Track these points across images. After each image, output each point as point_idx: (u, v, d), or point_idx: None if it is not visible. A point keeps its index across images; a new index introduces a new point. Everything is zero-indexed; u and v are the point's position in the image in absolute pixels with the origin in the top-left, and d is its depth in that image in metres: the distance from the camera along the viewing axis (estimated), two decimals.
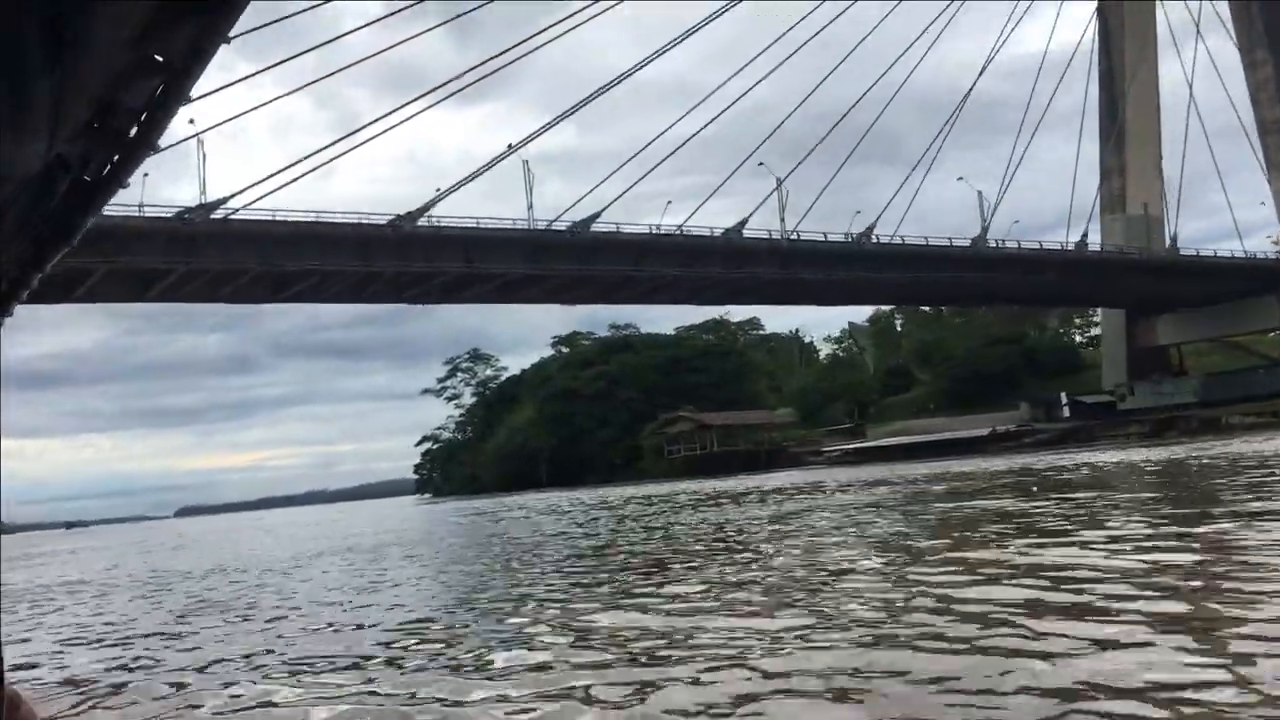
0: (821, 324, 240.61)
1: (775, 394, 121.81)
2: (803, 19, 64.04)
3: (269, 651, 9.73)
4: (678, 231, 62.58)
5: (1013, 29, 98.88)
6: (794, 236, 65.56)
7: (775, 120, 64.25)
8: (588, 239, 60.09)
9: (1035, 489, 25.14)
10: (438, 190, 56.19)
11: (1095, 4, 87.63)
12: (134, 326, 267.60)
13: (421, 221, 55.25)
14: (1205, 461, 30.80)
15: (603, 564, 15.93)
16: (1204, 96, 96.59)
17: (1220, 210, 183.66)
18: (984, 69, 71.23)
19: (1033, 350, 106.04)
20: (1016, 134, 72.54)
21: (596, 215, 60.09)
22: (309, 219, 51.47)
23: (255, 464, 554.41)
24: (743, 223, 64.86)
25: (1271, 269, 79.22)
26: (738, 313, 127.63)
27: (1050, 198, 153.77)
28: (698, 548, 17.09)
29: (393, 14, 51.48)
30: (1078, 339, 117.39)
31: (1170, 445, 51.58)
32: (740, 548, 16.37)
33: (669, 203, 72.84)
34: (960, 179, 73.37)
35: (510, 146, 59.35)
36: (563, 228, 59.60)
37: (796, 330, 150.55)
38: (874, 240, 67.39)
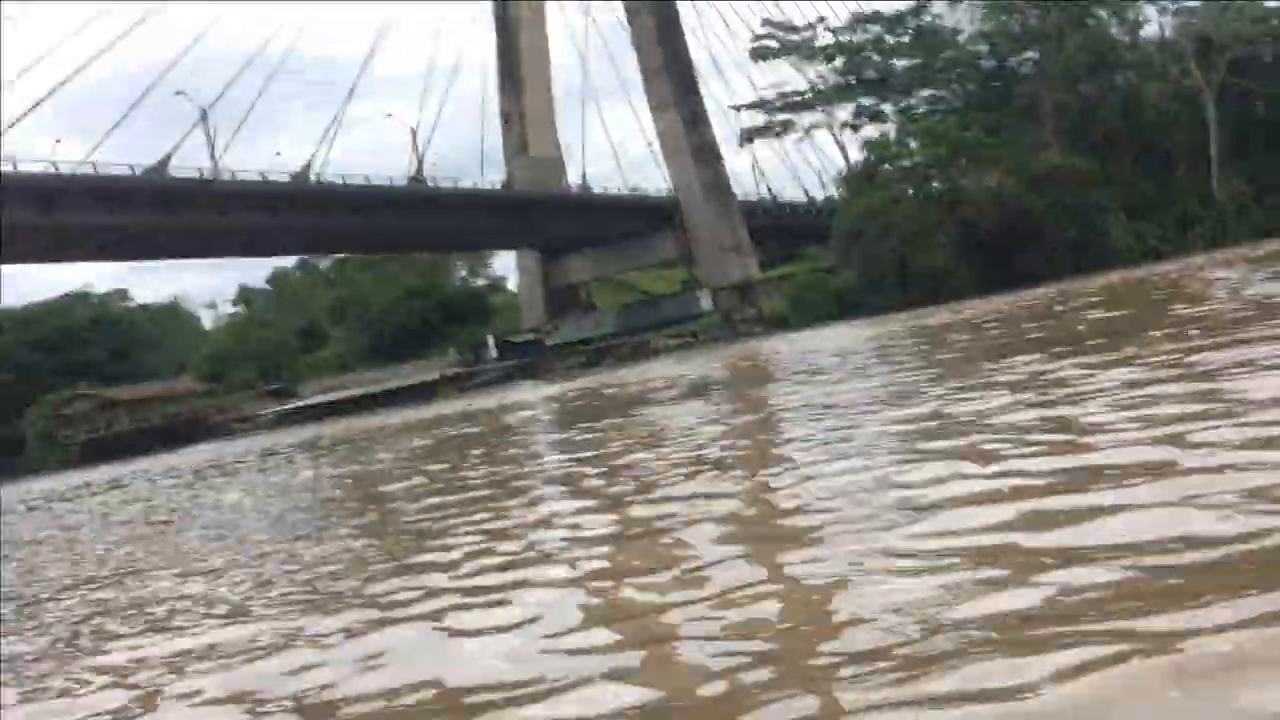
0: (204, 292, 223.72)
1: (172, 365, 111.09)
2: None
3: None
4: (91, 168, 52.94)
5: None
6: (230, 176, 58.75)
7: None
8: None
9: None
10: None
11: None
12: None
13: None
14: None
15: None
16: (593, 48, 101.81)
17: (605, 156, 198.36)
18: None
19: (447, 300, 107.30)
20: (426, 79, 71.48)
21: None
22: None
23: None
24: (166, 159, 56.70)
25: (665, 206, 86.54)
26: (100, 284, 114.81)
27: (465, 143, 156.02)
28: None
29: None
30: (478, 284, 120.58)
31: (607, 371, 54.78)
32: None
33: (58, 141, 61.34)
34: (389, 115, 70.86)
35: None
36: None
37: (174, 298, 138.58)
38: (315, 180, 62.65)
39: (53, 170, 51.66)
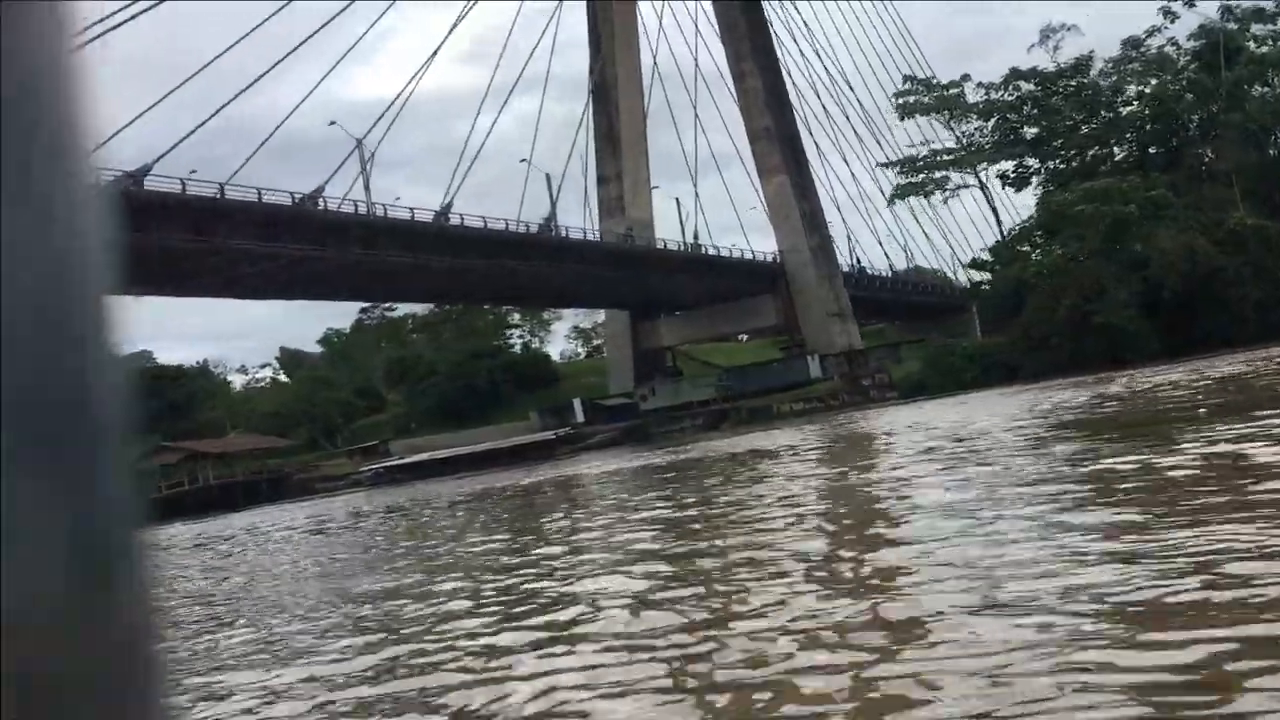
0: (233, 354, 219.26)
1: (216, 423, 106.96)
2: None
3: None
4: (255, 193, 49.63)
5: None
6: (381, 211, 55.60)
7: None
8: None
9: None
10: None
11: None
12: None
13: None
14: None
15: None
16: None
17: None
18: None
19: (512, 363, 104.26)
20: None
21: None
22: None
23: None
24: (319, 190, 53.58)
25: (771, 269, 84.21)
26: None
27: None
28: None
29: None
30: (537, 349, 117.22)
31: (742, 434, 51.48)
32: None
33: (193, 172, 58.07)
34: (524, 161, 68.38)
35: None
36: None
37: (205, 360, 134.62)
38: (455, 219, 59.72)
39: (216, 193, 48.34)
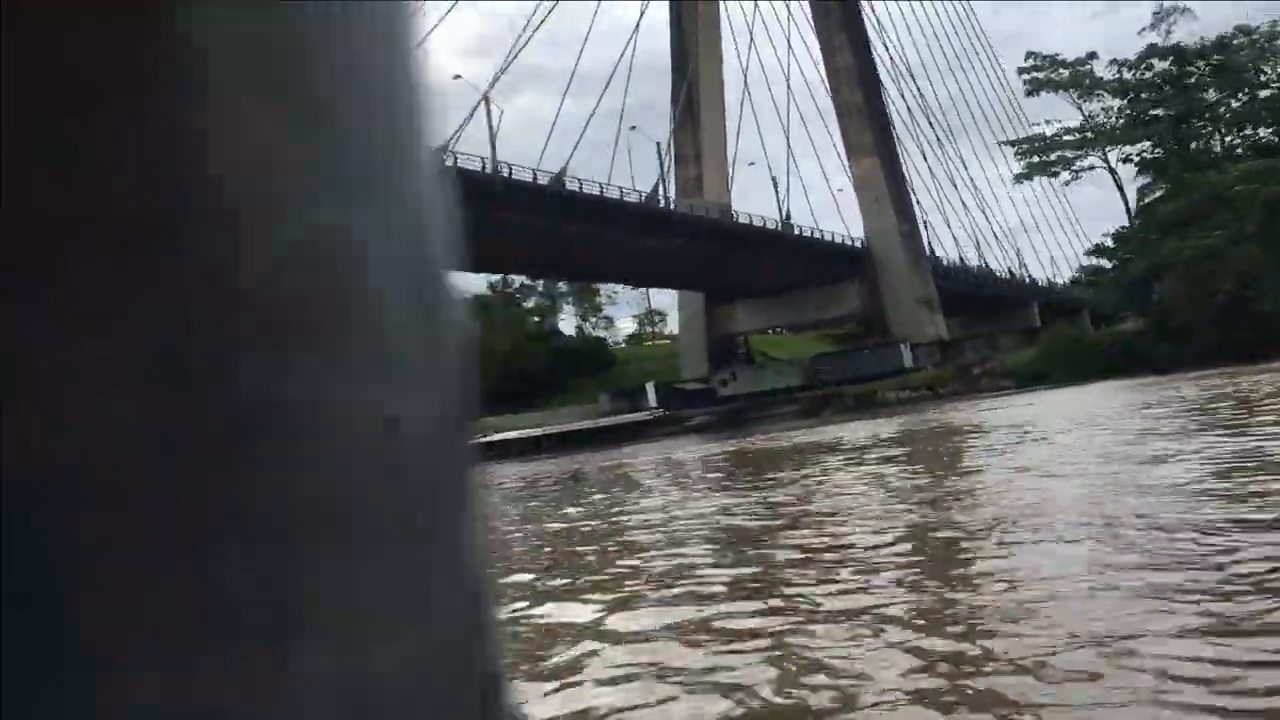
0: None
1: None
2: None
3: None
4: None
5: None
6: (506, 172, 52.39)
7: None
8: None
9: None
10: None
11: None
12: None
13: None
14: None
15: None
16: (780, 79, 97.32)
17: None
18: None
19: (568, 347, 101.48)
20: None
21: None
22: None
23: None
24: (444, 145, 50.34)
25: (858, 253, 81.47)
26: None
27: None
28: None
29: None
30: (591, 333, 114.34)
31: (848, 421, 48.47)
32: None
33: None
34: (634, 128, 65.41)
35: None
36: None
37: None
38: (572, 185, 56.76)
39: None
